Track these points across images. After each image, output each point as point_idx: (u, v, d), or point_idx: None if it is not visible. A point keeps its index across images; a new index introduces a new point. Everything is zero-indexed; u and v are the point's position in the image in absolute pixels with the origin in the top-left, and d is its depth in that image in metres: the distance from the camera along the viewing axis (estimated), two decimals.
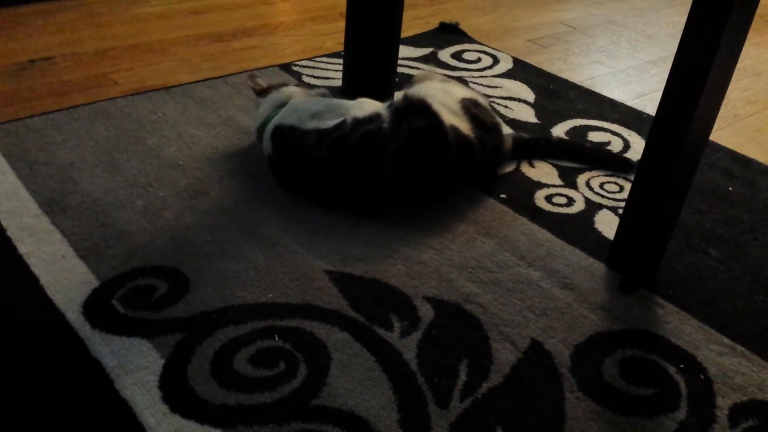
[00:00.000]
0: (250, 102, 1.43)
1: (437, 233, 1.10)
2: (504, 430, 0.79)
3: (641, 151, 0.98)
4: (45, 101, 1.37)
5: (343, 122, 1.11)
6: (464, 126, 1.14)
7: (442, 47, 1.79)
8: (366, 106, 1.16)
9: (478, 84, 1.61)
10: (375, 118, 1.11)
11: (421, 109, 1.12)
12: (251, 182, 1.18)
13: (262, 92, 1.28)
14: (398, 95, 1.22)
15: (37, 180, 1.13)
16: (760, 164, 1.36)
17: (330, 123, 1.12)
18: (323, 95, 1.27)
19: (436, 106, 1.13)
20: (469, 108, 1.18)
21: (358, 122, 1.10)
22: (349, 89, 1.42)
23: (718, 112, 0.95)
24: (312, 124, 1.12)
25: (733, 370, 0.90)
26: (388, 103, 1.16)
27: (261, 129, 1.20)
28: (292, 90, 1.27)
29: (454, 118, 1.14)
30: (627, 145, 1.39)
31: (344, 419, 0.78)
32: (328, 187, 1.12)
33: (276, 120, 1.17)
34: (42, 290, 0.92)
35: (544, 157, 1.32)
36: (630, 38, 2.01)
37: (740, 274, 1.06)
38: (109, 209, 1.08)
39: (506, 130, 1.40)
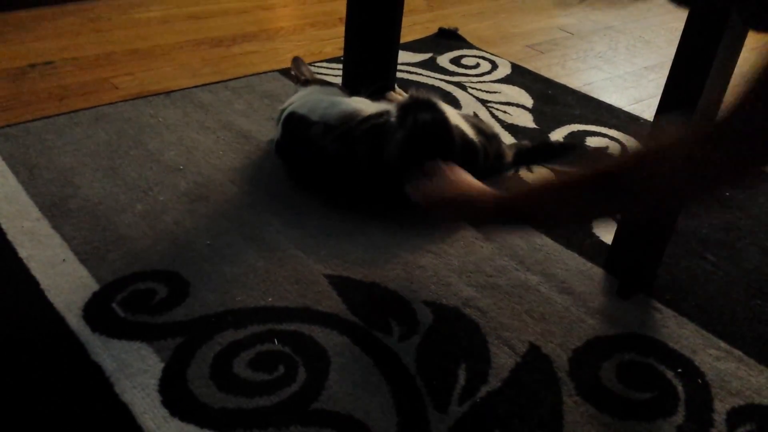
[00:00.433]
0: (251, 107, 1.43)
1: (436, 238, 1.10)
2: None
3: None
4: (45, 105, 1.38)
5: (351, 117, 1.13)
6: (468, 130, 1.16)
7: (441, 53, 1.79)
8: (371, 105, 1.18)
9: (476, 89, 1.61)
10: (384, 113, 1.14)
11: (427, 105, 1.14)
12: (251, 186, 1.18)
13: (306, 82, 1.32)
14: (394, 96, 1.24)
15: (38, 184, 1.13)
16: None
17: (337, 118, 1.14)
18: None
19: (442, 105, 1.15)
20: (468, 118, 1.21)
21: (367, 117, 1.13)
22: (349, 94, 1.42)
23: (716, 117, 0.95)
24: (319, 116, 1.15)
25: (731, 374, 0.90)
26: (395, 103, 1.18)
27: (282, 111, 1.24)
28: (333, 91, 1.28)
29: (458, 120, 1.15)
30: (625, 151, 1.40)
31: (343, 423, 0.79)
32: (331, 176, 1.14)
33: (292, 108, 1.20)
34: (42, 294, 0.92)
35: (544, 162, 1.32)
36: (628, 44, 2.02)
37: (737, 279, 1.07)
38: (110, 213, 1.08)
39: (506, 138, 1.41)
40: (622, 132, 1.47)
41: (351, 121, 1.13)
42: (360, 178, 1.13)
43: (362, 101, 1.21)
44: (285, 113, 1.21)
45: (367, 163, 1.11)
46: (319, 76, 1.44)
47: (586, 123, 1.50)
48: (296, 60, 1.41)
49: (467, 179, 0.95)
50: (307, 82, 1.33)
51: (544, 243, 1.11)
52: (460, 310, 0.96)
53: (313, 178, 1.18)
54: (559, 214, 0.84)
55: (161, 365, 0.84)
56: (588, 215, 0.94)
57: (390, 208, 1.15)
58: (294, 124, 1.18)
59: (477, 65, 1.74)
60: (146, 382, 0.81)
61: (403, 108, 1.14)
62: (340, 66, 1.50)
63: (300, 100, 1.22)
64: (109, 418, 0.77)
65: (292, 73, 1.41)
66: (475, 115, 1.49)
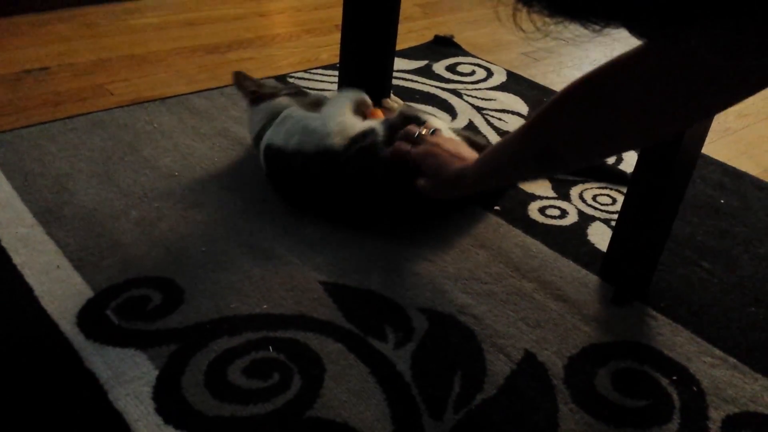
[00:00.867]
0: (246, 113, 1.43)
1: (432, 245, 1.10)
2: None
3: (633, 163, 0.99)
4: (40, 111, 1.38)
5: (328, 145, 1.08)
6: None
7: (437, 60, 1.80)
8: (347, 121, 1.13)
9: (472, 96, 1.62)
10: (368, 133, 1.11)
11: (417, 123, 1.12)
12: (246, 193, 1.18)
13: (255, 100, 1.24)
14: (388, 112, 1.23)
15: (32, 190, 1.13)
16: (751, 177, 1.37)
17: (313, 145, 1.10)
18: (315, 103, 1.23)
19: (434, 122, 1.13)
20: (460, 132, 1.18)
21: (352, 140, 1.09)
22: None
23: (710, 126, 0.96)
24: (294, 146, 1.11)
25: (726, 381, 0.90)
26: (382, 120, 1.16)
27: (257, 139, 1.20)
28: (283, 102, 1.23)
29: (450, 136, 1.14)
30: (619, 158, 1.40)
31: (338, 431, 0.78)
32: (325, 201, 1.12)
33: (267, 138, 1.16)
34: (36, 301, 0.92)
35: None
36: (623, 51, 2.02)
37: (732, 286, 1.07)
38: (104, 220, 1.08)
39: None
40: None
41: (330, 147, 1.08)
42: (353, 200, 1.11)
43: (336, 116, 1.13)
44: (263, 145, 1.16)
45: (358, 185, 1.09)
46: (271, 84, 1.35)
47: None
48: (238, 75, 1.28)
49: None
50: (256, 100, 1.23)
51: (539, 250, 1.11)
52: (455, 317, 0.96)
53: (311, 204, 1.14)
54: None
55: (155, 372, 0.83)
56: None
57: (384, 221, 1.14)
58: (273, 157, 1.14)
59: (472, 72, 1.75)
60: (140, 389, 0.81)
61: (392, 127, 1.11)
62: (336, 73, 1.50)
63: (272, 126, 1.17)
64: (102, 426, 0.77)
65: (241, 92, 1.29)
66: (471, 123, 1.49)
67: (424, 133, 1.07)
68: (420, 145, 1.05)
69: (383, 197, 1.10)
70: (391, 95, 1.47)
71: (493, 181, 1.00)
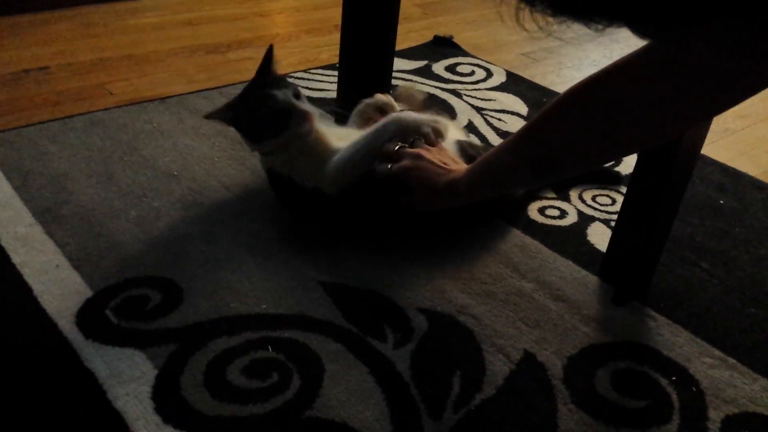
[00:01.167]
0: None
1: (431, 245, 1.10)
2: None
3: (632, 164, 0.99)
4: (40, 111, 1.38)
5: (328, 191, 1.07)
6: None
7: (436, 60, 1.80)
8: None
9: (471, 97, 1.62)
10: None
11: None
12: (246, 193, 1.18)
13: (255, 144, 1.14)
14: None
15: (31, 190, 1.13)
16: (751, 178, 1.37)
17: (311, 183, 1.08)
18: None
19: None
20: (467, 150, 1.12)
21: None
22: (344, 101, 1.42)
23: (709, 126, 0.96)
24: (295, 176, 1.09)
25: (725, 382, 0.90)
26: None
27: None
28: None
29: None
30: (619, 159, 1.40)
31: (337, 431, 0.78)
32: (327, 215, 1.12)
33: (267, 162, 1.13)
34: (35, 300, 0.92)
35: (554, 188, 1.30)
36: (622, 52, 2.01)
37: (731, 287, 1.07)
38: (103, 219, 1.08)
39: None
40: None
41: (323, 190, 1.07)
42: (353, 215, 1.10)
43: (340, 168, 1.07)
44: (265, 165, 1.14)
45: (360, 201, 1.07)
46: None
47: None
48: (209, 117, 1.11)
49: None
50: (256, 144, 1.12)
51: (538, 250, 1.11)
52: (454, 317, 0.96)
53: (314, 217, 1.13)
54: None
55: (154, 372, 0.83)
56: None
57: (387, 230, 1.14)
58: (275, 179, 1.12)
59: (472, 73, 1.75)
60: (139, 389, 0.81)
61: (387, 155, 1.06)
62: (336, 73, 1.50)
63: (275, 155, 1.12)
64: (102, 425, 0.77)
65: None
66: (470, 123, 1.49)
67: (403, 145, 1.03)
68: (402, 161, 1.01)
69: (383, 209, 1.09)
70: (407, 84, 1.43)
71: (488, 190, 0.96)
